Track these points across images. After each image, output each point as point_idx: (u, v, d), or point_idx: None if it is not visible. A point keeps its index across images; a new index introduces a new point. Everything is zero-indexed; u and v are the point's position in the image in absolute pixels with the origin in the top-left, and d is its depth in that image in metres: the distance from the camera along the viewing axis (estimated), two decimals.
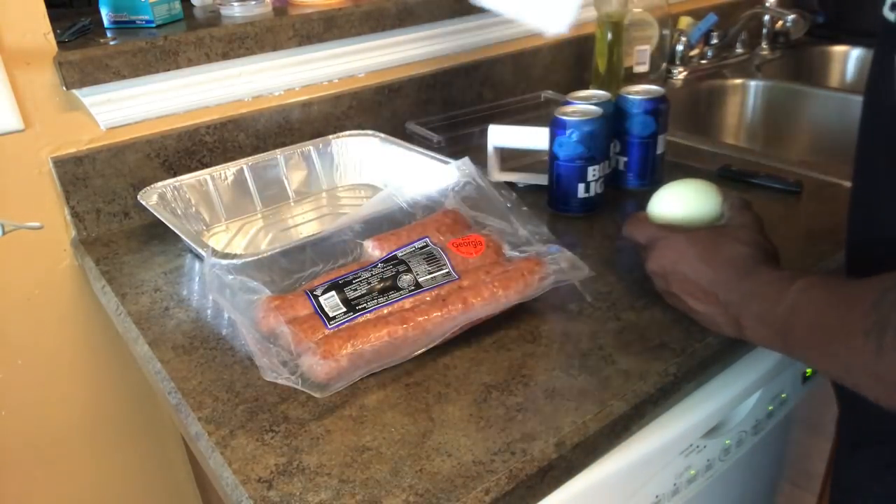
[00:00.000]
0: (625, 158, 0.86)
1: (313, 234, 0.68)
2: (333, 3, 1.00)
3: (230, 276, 0.61)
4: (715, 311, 0.56)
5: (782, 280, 0.52)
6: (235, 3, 0.95)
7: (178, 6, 0.95)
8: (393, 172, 0.92)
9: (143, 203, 0.78)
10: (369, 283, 0.60)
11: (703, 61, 1.42)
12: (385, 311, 0.58)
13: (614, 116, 0.83)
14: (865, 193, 0.53)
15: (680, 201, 0.65)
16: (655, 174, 0.87)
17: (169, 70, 0.85)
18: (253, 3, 0.96)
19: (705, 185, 0.65)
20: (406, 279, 0.60)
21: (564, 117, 0.77)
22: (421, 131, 0.98)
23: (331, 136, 0.95)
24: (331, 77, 1.02)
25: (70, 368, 0.92)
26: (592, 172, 0.79)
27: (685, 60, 1.38)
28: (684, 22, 1.42)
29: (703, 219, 0.64)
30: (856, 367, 0.44)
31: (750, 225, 0.59)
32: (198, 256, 0.76)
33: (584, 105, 0.81)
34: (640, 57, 1.29)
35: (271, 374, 0.55)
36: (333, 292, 0.59)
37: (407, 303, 0.59)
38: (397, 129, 1.04)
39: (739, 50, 1.47)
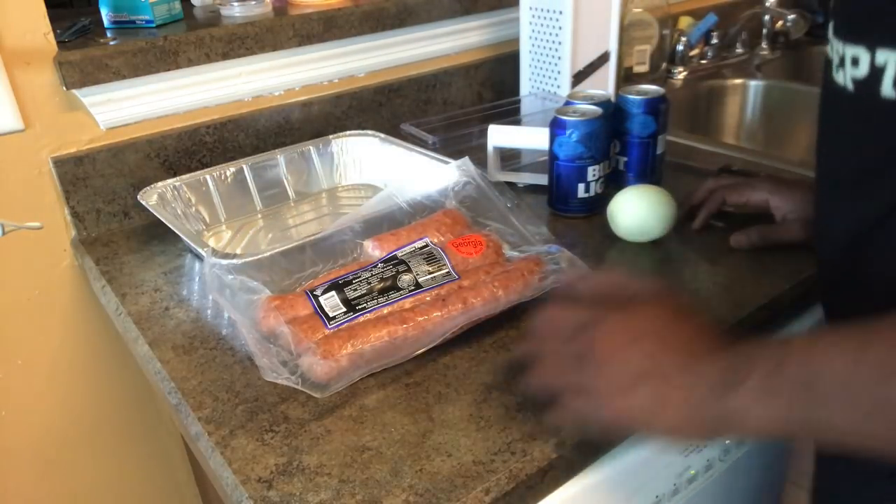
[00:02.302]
0: (625, 158, 0.86)
1: (313, 234, 0.68)
2: (333, 3, 1.00)
3: (230, 276, 0.61)
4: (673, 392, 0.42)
5: (768, 342, 0.41)
6: (235, 3, 0.95)
7: (178, 6, 0.95)
8: (393, 172, 0.92)
9: (143, 203, 0.78)
10: (369, 283, 0.60)
11: (703, 61, 1.42)
12: (385, 311, 0.58)
13: (614, 116, 0.83)
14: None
15: (640, 208, 0.73)
16: (655, 174, 0.87)
17: (169, 70, 0.85)
18: (253, 3, 0.96)
19: (658, 191, 0.73)
20: (406, 279, 0.60)
21: (564, 117, 0.77)
22: (415, 132, 0.98)
23: (331, 136, 0.95)
24: (331, 77, 1.02)
25: (70, 368, 0.92)
26: (592, 172, 0.79)
27: (685, 60, 1.38)
28: (684, 22, 1.42)
29: (662, 223, 0.72)
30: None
31: (660, 289, 0.49)
32: (198, 256, 0.76)
33: (584, 105, 0.81)
34: (640, 57, 1.29)
35: (271, 374, 0.55)
36: (333, 292, 0.59)
37: (407, 303, 0.59)
38: (397, 130, 1.04)
39: (739, 50, 1.47)
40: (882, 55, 0.39)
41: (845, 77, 0.43)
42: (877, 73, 0.40)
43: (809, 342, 0.41)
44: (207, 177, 0.85)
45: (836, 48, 0.44)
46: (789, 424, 0.39)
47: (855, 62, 0.41)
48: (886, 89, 0.40)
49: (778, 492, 0.84)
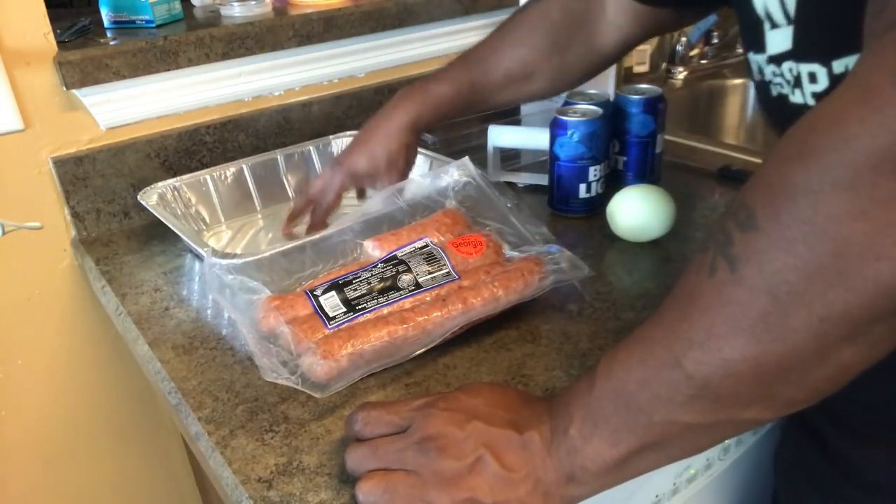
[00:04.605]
0: (624, 158, 0.86)
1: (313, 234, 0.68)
2: (333, 3, 1.00)
3: (230, 276, 0.61)
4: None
5: (582, 378, 0.41)
6: (235, 3, 0.95)
7: (178, 6, 0.95)
8: None
9: (143, 203, 0.78)
10: (369, 283, 0.60)
11: (703, 61, 1.42)
12: (385, 311, 0.58)
13: (613, 116, 0.83)
14: None
15: (639, 208, 0.73)
16: (654, 173, 0.87)
17: (169, 70, 0.85)
18: (253, 3, 0.96)
19: (657, 191, 0.73)
20: (406, 279, 0.60)
21: (565, 118, 0.78)
22: None
23: (331, 136, 0.95)
24: (331, 77, 1.02)
25: (70, 368, 0.92)
26: (593, 172, 0.79)
27: (685, 60, 1.38)
28: None
29: (661, 223, 0.73)
30: (720, 319, 0.33)
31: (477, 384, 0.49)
32: (198, 256, 0.76)
33: (584, 105, 0.81)
34: (639, 57, 1.29)
35: (271, 374, 0.55)
36: (333, 292, 0.59)
37: (407, 303, 0.59)
38: None
39: (739, 50, 1.47)
40: (839, 64, 0.40)
41: (804, 95, 0.43)
42: (837, 81, 0.41)
43: (610, 355, 0.40)
44: (207, 177, 0.85)
45: (790, 69, 0.44)
46: (633, 441, 0.37)
47: (812, 78, 0.42)
48: None
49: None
